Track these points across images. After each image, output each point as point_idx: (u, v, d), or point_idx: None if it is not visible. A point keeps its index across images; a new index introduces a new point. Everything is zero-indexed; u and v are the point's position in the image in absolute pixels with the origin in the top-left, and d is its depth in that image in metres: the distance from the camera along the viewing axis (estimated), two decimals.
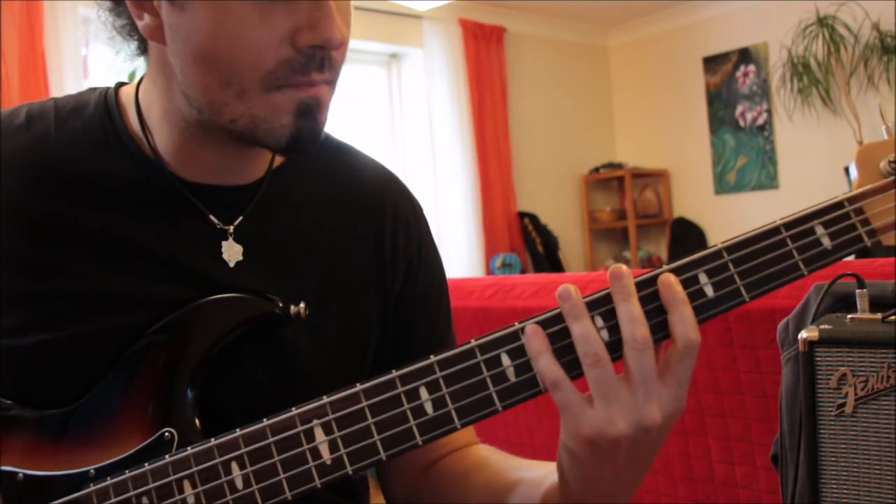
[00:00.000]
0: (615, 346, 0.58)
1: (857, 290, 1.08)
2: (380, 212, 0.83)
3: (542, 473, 0.70)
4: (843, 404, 1.00)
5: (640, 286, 0.59)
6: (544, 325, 0.60)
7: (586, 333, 0.58)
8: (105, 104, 0.76)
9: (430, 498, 0.82)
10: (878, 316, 1.04)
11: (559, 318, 0.60)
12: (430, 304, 0.86)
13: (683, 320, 0.58)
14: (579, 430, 0.58)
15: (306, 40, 0.63)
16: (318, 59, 0.64)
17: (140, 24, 0.67)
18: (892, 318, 1.02)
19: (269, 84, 0.64)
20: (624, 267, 0.59)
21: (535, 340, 0.59)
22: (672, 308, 0.58)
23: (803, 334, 1.03)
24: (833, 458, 1.01)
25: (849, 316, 1.07)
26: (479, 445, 0.85)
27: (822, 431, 1.02)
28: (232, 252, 0.74)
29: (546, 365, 0.58)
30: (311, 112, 0.66)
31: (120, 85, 0.78)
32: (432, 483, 0.83)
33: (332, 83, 0.68)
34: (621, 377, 0.58)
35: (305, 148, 0.68)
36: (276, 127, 0.66)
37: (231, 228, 0.74)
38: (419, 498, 0.84)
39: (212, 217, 0.74)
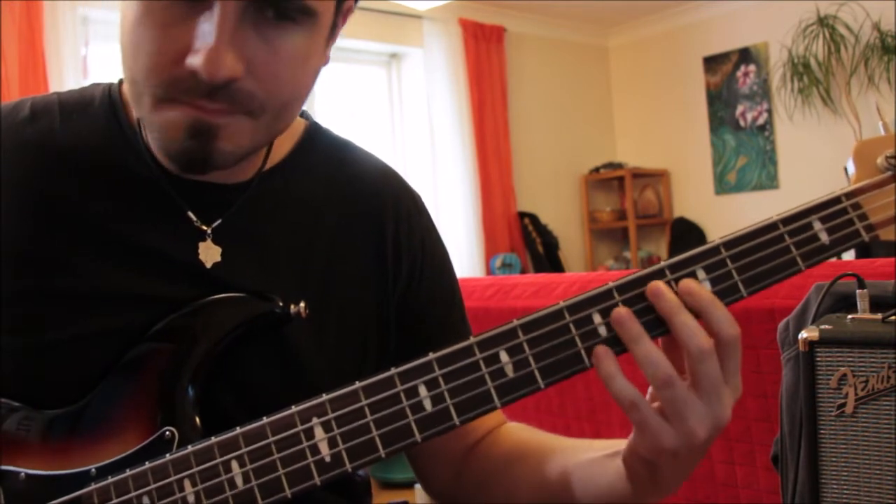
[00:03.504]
0: (611, 343, 0.59)
1: (858, 291, 1.08)
2: (381, 209, 0.83)
3: (598, 459, 0.68)
4: (844, 404, 1.00)
5: (630, 285, 0.59)
6: (540, 322, 0.59)
7: (650, 355, 0.57)
8: (109, 99, 0.76)
9: (474, 489, 0.81)
10: (879, 316, 1.04)
11: (546, 319, 0.59)
12: (440, 297, 0.85)
13: (686, 327, 0.57)
14: (660, 445, 0.58)
15: (189, 61, 0.61)
16: (204, 87, 0.61)
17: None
18: (893, 318, 1.02)
19: (161, 96, 0.63)
20: (661, 284, 0.58)
21: (607, 363, 0.58)
22: (670, 318, 0.57)
23: (804, 334, 1.03)
24: (833, 459, 1.01)
25: (849, 316, 1.07)
26: (511, 425, 0.85)
27: (822, 431, 1.02)
28: (209, 253, 0.73)
29: (622, 386, 0.57)
30: (202, 135, 0.64)
31: (123, 80, 0.79)
32: (474, 472, 0.82)
33: (249, 116, 0.65)
34: (689, 386, 0.57)
35: (198, 168, 0.66)
36: (168, 141, 0.65)
37: (209, 230, 0.74)
38: (463, 489, 0.83)
39: (191, 215, 0.74)
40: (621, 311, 0.58)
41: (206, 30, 0.60)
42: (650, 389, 0.60)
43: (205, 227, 0.74)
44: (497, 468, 0.79)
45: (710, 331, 0.57)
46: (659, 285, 0.58)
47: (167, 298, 0.70)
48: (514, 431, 0.83)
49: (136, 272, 0.71)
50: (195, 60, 0.60)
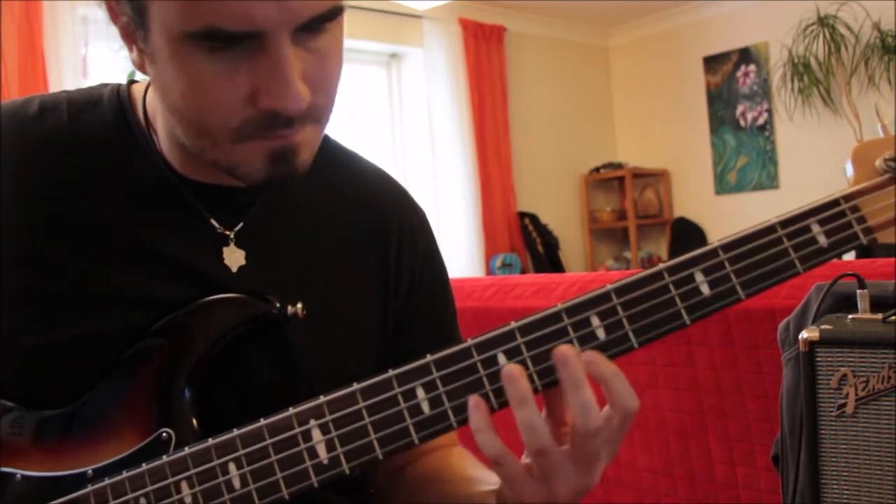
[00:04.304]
0: (608, 345, 0.59)
1: (858, 291, 1.08)
2: (385, 222, 0.83)
3: (481, 493, 0.70)
4: (844, 405, 1.00)
5: (629, 288, 0.59)
6: (538, 324, 0.59)
7: (531, 422, 0.57)
8: (118, 100, 0.76)
9: (397, 500, 0.82)
10: (879, 316, 1.04)
11: (544, 321, 0.59)
12: (433, 315, 0.85)
13: (583, 405, 0.56)
14: (521, 498, 0.59)
15: (265, 103, 0.61)
16: (282, 120, 0.62)
17: (130, 55, 0.67)
18: (893, 318, 1.02)
19: (238, 138, 0.64)
20: (569, 351, 0.57)
21: (477, 416, 0.58)
22: (569, 390, 0.57)
23: (804, 334, 1.02)
24: (834, 459, 1.01)
25: (849, 316, 1.07)
26: (454, 450, 0.85)
27: (822, 432, 1.02)
28: (234, 257, 0.74)
29: (487, 441, 0.58)
30: (285, 158, 0.65)
31: (132, 82, 0.78)
32: (398, 486, 0.83)
33: (316, 122, 0.67)
34: (566, 452, 0.58)
35: (284, 187, 0.69)
36: (251, 171, 0.66)
37: (232, 234, 0.74)
38: (386, 498, 0.84)
39: (213, 221, 0.74)
40: (513, 370, 0.57)
41: (271, 69, 0.60)
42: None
43: (227, 232, 0.74)
44: (411, 488, 0.81)
45: (611, 401, 0.58)
46: (566, 352, 0.57)
47: (186, 303, 0.70)
48: (444, 456, 0.83)
49: (149, 275, 0.71)
50: (274, 102, 0.61)
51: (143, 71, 0.67)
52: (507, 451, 0.58)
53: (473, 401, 0.58)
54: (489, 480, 0.70)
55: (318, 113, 0.66)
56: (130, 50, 0.67)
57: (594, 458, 0.58)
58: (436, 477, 0.79)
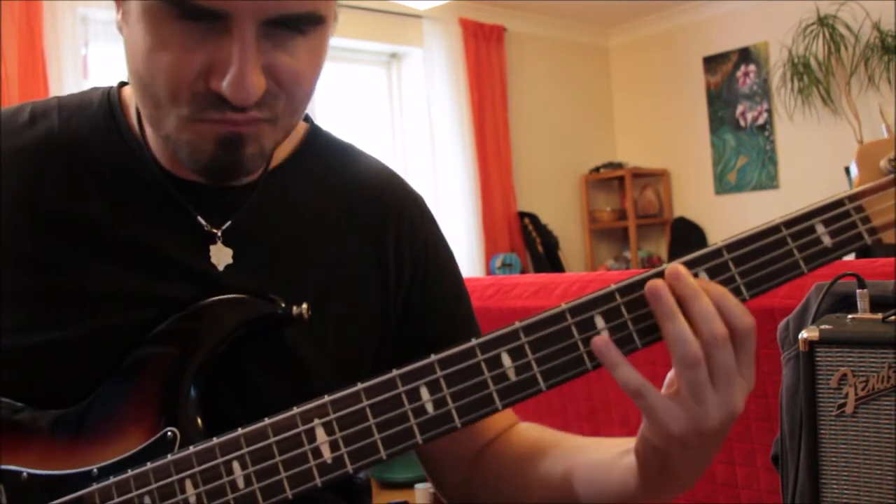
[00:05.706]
0: (622, 342, 0.59)
1: (858, 290, 1.08)
2: (382, 213, 0.82)
3: (610, 457, 0.68)
4: (844, 404, 1.00)
5: (633, 287, 0.59)
6: (542, 324, 0.59)
7: (681, 334, 0.56)
8: (108, 102, 0.77)
9: (485, 492, 0.81)
10: (879, 316, 1.04)
11: (548, 321, 0.59)
12: (444, 299, 0.85)
13: (702, 312, 0.57)
14: (668, 430, 0.58)
15: (215, 85, 0.61)
16: (230, 104, 0.62)
17: (116, 16, 0.68)
18: (893, 318, 1.02)
19: (188, 115, 0.64)
20: (681, 268, 0.58)
21: (611, 353, 0.58)
22: (686, 303, 0.57)
23: (804, 334, 1.03)
24: (833, 458, 1.01)
25: (849, 316, 1.08)
26: (523, 425, 0.84)
27: (822, 431, 1.02)
28: (220, 256, 0.74)
29: (627, 374, 0.58)
30: (232, 144, 0.65)
31: (123, 84, 0.79)
32: (485, 475, 0.81)
33: (270, 123, 0.66)
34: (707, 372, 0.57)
35: (227, 175, 0.68)
36: (197, 152, 0.66)
37: (219, 232, 0.74)
38: (474, 492, 0.82)
39: (200, 219, 0.74)
40: (658, 287, 0.57)
41: (229, 54, 0.60)
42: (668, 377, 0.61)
43: (215, 230, 0.74)
44: (508, 470, 0.79)
45: (727, 323, 0.57)
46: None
47: (176, 300, 0.71)
48: (526, 431, 0.82)
49: (141, 273, 0.71)
50: (224, 86, 0.61)
51: (122, 32, 0.68)
52: (645, 381, 0.58)
53: (600, 340, 0.58)
54: (613, 442, 0.69)
55: (274, 113, 0.66)
56: (118, 11, 0.67)
57: (731, 372, 0.57)
58: (536, 453, 0.77)
